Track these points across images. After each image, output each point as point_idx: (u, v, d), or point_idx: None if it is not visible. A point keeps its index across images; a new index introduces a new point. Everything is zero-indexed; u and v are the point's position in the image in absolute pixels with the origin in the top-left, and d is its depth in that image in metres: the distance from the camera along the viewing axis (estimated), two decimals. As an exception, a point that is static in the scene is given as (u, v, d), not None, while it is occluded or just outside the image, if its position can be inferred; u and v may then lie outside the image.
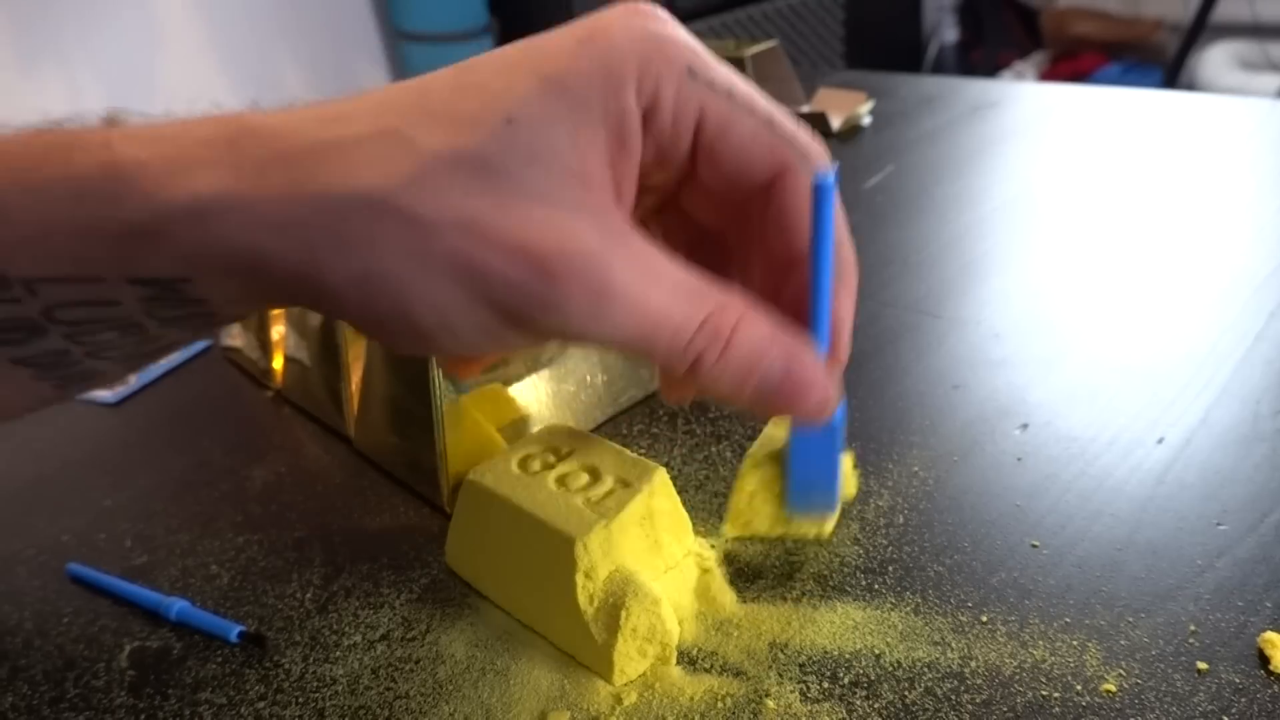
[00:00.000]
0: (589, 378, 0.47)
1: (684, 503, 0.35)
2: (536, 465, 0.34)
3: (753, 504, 0.34)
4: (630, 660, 0.31)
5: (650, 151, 0.25)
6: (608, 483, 0.33)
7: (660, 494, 0.34)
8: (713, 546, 0.36)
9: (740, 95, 0.25)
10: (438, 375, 0.38)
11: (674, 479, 0.35)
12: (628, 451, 0.35)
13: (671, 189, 0.28)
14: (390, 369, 0.41)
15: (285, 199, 0.21)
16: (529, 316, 0.22)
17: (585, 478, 0.33)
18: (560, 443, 0.35)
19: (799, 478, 0.32)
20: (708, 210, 0.28)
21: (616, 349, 0.24)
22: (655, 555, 0.34)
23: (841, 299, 0.28)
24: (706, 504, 0.39)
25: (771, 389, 0.25)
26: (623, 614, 0.30)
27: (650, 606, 0.30)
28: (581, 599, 0.31)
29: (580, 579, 0.31)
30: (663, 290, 0.23)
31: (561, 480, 0.33)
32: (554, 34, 0.24)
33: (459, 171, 0.22)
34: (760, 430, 0.38)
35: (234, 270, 0.22)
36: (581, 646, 0.32)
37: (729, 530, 0.36)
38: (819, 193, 0.25)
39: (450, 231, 0.21)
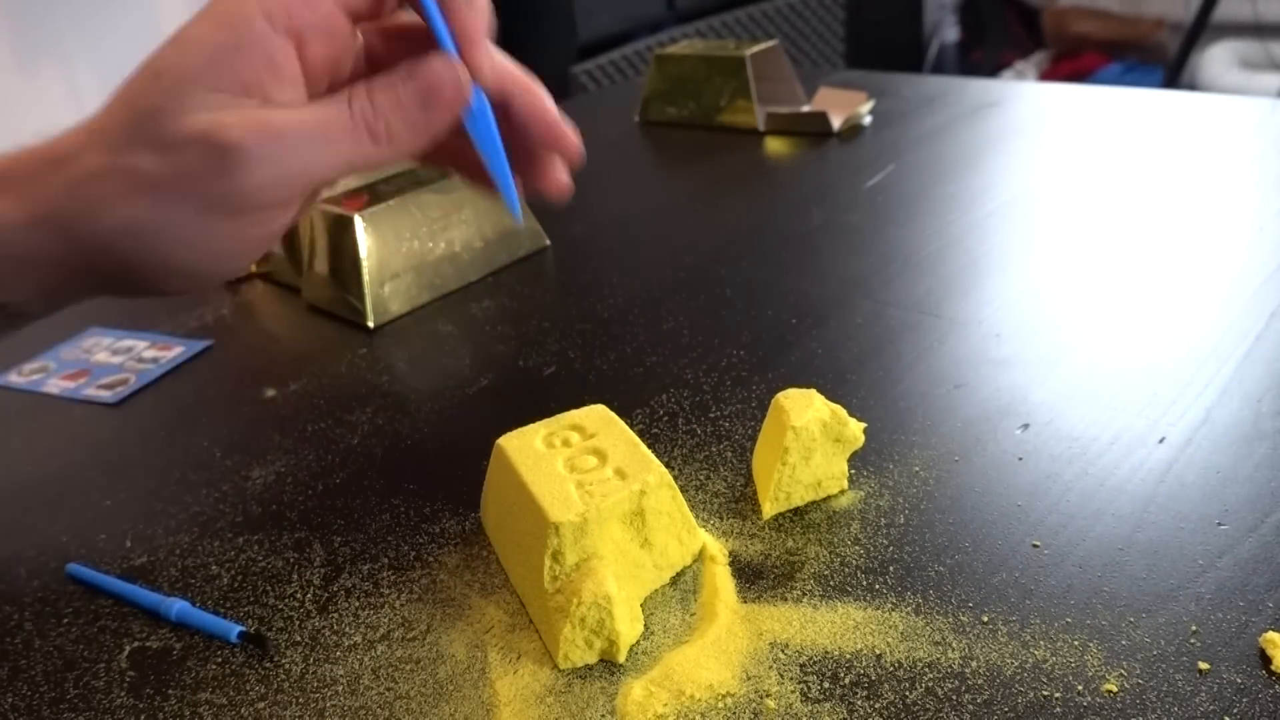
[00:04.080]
0: (472, 241, 0.62)
1: (683, 502, 0.35)
2: (558, 442, 0.36)
3: (794, 476, 0.37)
4: (575, 648, 0.31)
5: (316, 41, 0.30)
6: (606, 472, 0.34)
7: (655, 494, 0.34)
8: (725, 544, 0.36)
9: None
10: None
11: (674, 479, 0.35)
12: (643, 447, 0.35)
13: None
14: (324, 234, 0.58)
15: (36, 200, 0.29)
16: (231, 188, 0.28)
17: (593, 462, 0.35)
18: (592, 425, 0.36)
19: (496, 174, 0.33)
20: (387, 45, 0.34)
21: (330, 172, 0.30)
22: (644, 553, 0.34)
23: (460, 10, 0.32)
24: (707, 504, 0.39)
25: (421, 101, 0.30)
26: (574, 602, 0.31)
27: (601, 602, 0.31)
28: (546, 579, 0.32)
29: (548, 560, 0.32)
30: (315, 108, 0.30)
31: (570, 462, 0.35)
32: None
33: (138, 123, 0.29)
34: (758, 432, 0.38)
35: (20, 272, 0.30)
36: (542, 624, 0.33)
37: (768, 511, 0.37)
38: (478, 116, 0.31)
39: (146, 165, 0.28)
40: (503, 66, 0.32)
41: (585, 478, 0.34)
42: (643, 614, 0.33)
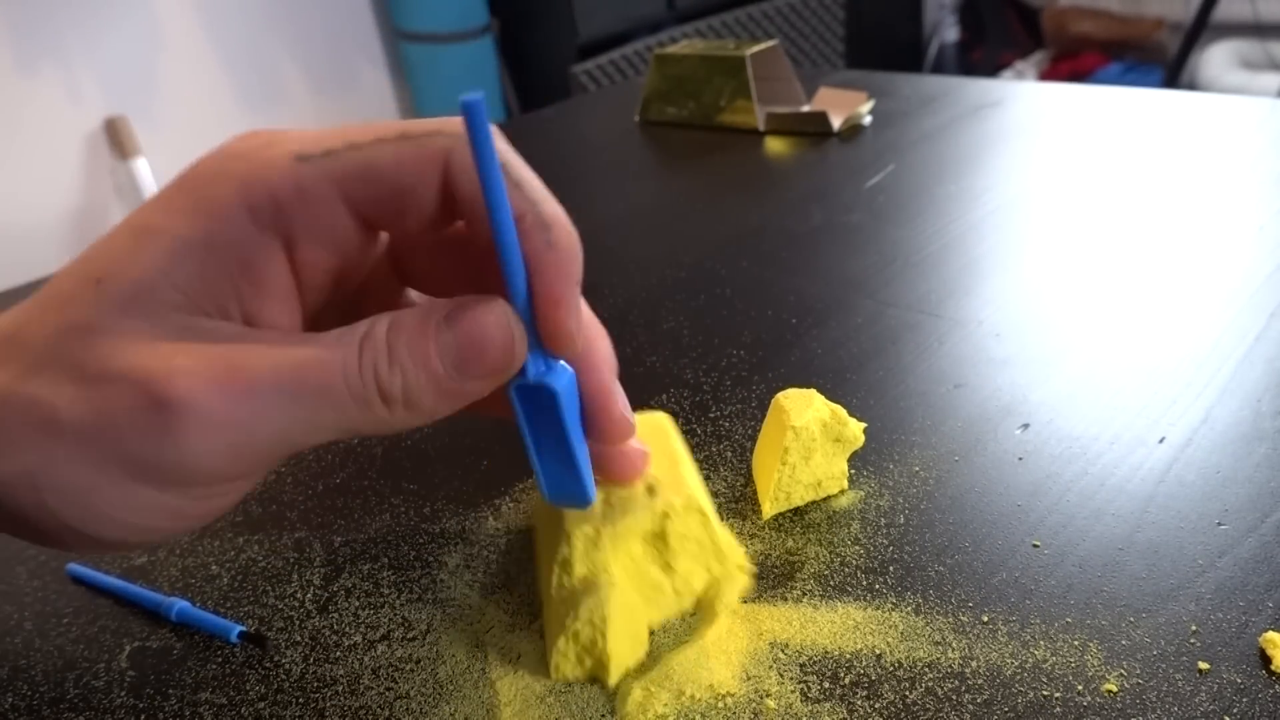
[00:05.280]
0: None
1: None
2: None
3: (794, 476, 0.37)
4: (568, 662, 0.31)
5: (312, 245, 0.23)
6: (639, 487, 0.33)
7: (682, 518, 0.32)
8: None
9: (361, 138, 0.23)
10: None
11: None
12: (686, 466, 0.34)
13: (383, 262, 0.27)
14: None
15: None
16: (165, 459, 0.21)
17: None
18: (644, 433, 0.35)
19: (545, 465, 0.29)
20: (427, 259, 0.27)
21: (313, 440, 0.22)
22: (664, 576, 0.32)
23: (541, 256, 0.24)
24: (707, 504, 0.39)
25: (458, 362, 0.23)
26: (569, 617, 0.30)
27: (596, 622, 0.30)
28: (553, 585, 0.32)
29: (557, 567, 0.32)
30: (302, 345, 0.22)
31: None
32: (170, 181, 0.24)
33: (63, 345, 0.21)
34: (758, 432, 0.38)
35: None
36: (546, 631, 0.32)
37: (768, 511, 0.37)
38: (469, 113, 0.21)
39: (65, 404, 0.21)
40: (587, 336, 0.25)
41: (617, 494, 0.32)
42: (649, 640, 0.32)
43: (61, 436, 0.21)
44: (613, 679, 0.30)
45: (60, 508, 0.22)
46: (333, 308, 0.26)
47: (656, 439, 0.35)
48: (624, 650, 0.31)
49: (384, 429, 0.23)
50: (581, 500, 0.30)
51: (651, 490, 0.32)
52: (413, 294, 0.29)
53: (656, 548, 0.32)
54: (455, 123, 0.24)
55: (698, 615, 0.33)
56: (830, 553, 0.35)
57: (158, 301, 0.22)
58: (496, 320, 0.23)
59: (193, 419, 0.21)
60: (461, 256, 0.27)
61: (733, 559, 0.34)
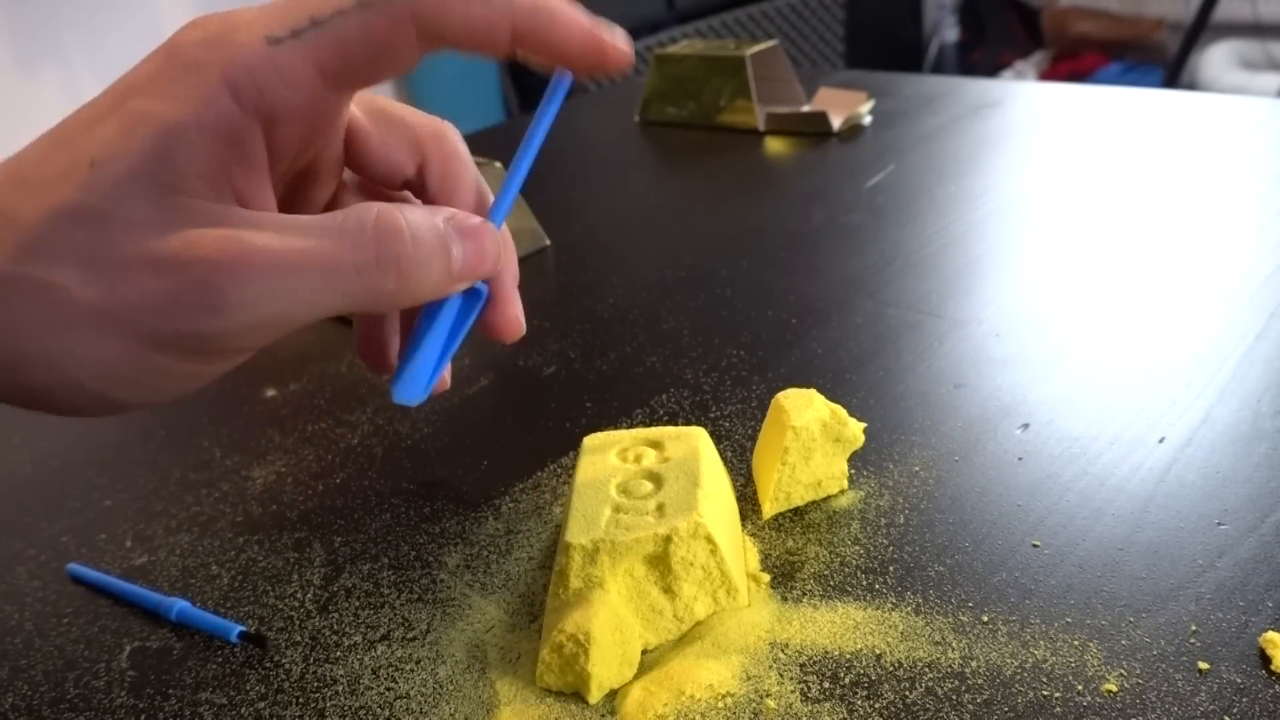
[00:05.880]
0: None
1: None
2: (631, 456, 0.35)
3: (794, 476, 0.37)
4: (550, 673, 0.30)
5: (289, 123, 0.24)
6: (650, 504, 0.32)
7: (687, 544, 0.31)
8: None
9: (321, 13, 0.24)
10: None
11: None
12: (704, 490, 0.33)
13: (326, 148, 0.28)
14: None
15: None
16: (196, 332, 0.22)
17: (647, 488, 0.33)
18: (673, 448, 0.35)
19: (418, 359, 0.28)
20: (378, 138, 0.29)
21: (320, 314, 0.23)
22: (665, 600, 0.32)
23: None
24: (707, 504, 0.39)
25: (464, 258, 0.25)
26: (554, 630, 0.30)
27: (580, 638, 0.29)
28: (550, 597, 0.32)
29: (555, 578, 0.32)
30: (310, 229, 0.23)
31: (625, 485, 0.34)
32: (135, 67, 0.24)
33: (62, 227, 0.22)
34: (758, 432, 0.38)
35: None
36: (543, 634, 0.32)
37: (768, 511, 0.37)
38: (556, 85, 0.27)
39: (77, 286, 0.21)
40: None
41: (628, 503, 0.32)
42: (639, 661, 0.31)
43: (77, 319, 0.22)
44: (593, 697, 0.30)
45: (80, 379, 0.22)
46: (293, 180, 0.28)
47: (687, 453, 0.35)
48: (608, 669, 0.30)
49: (375, 308, 0.24)
50: (416, 395, 0.28)
51: (661, 511, 0.32)
52: (348, 174, 0.31)
53: (657, 570, 0.32)
54: (427, 118, 0.28)
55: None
56: (830, 553, 0.35)
57: (158, 185, 0.22)
58: (492, 233, 0.26)
59: (226, 295, 0.22)
60: (406, 137, 0.29)
61: (743, 596, 0.33)
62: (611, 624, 0.30)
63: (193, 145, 0.23)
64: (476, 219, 0.26)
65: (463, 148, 0.30)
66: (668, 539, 0.31)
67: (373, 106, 0.29)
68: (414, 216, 0.24)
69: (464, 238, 0.25)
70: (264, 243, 0.22)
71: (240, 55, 0.23)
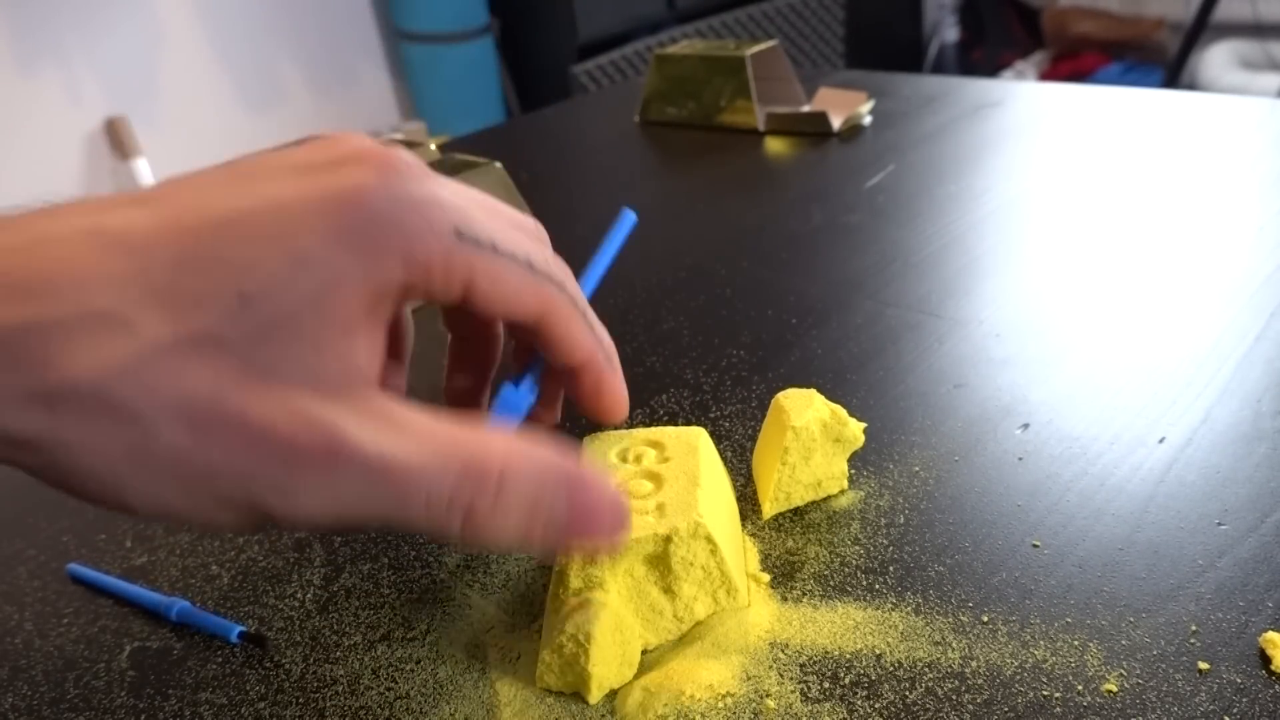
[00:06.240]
0: None
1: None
2: (630, 457, 0.35)
3: (794, 476, 0.37)
4: (551, 673, 0.30)
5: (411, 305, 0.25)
6: (650, 504, 0.32)
7: (686, 544, 0.31)
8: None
9: (504, 245, 0.24)
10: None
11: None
12: (703, 490, 0.33)
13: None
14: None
15: None
16: (258, 503, 0.21)
17: (647, 488, 0.33)
18: (673, 447, 0.35)
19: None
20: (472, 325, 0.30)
21: (366, 520, 0.21)
22: (665, 600, 0.32)
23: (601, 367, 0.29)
24: (707, 504, 0.39)
25: (560, 526, 0.23)
26: (554, 631, 0.30)
27: (581, 638, 0.29)
28: (550, 597, 0.32)
29: (555, 578, 0.32)
30: (406, 440, 0.21)
31: (624, 487, 0.33)
32: (293, 184, 0.21)
33: (183, 358, 0.20)
34: (758, 432, 0.38)
35: None
36: (543, 635, 0.32)
37: (768, 511, 0.37)
38: (621, 222, 0.30)
39: (171, 427, 0.20)
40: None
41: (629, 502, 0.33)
42: (639, 662, 0.31)
43: (150, 460, 0.20)
44: (593, 697, 0.30)
45: (132, 501, 0.21)
46: None
47: (687, 453, 0.35)
48: (608, 670, 0.30)
49: (433, 534, 0.23)
50: None
51: (661, 511, 0.32)
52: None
53: (657, 570, 0.32)
54: (562, 274, 0.27)
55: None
56: (830, 553, 0.35)
57: (301, 342, 0.20)
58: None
59: (307, 481, 0.20)
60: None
61: (743, 596, 0.33)
62: (611, 624, 0.30)
63: (346, 304, 0.21)
64: (584, 473, 0.23)
65: (574, 326, 0.27)
66: (668, 539, 0.31)
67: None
68: (518, 460, 0.22)
69: (572, 490, 0.23)
70: (359, 435, 0.20)
71: (429, 240, 0.22)
